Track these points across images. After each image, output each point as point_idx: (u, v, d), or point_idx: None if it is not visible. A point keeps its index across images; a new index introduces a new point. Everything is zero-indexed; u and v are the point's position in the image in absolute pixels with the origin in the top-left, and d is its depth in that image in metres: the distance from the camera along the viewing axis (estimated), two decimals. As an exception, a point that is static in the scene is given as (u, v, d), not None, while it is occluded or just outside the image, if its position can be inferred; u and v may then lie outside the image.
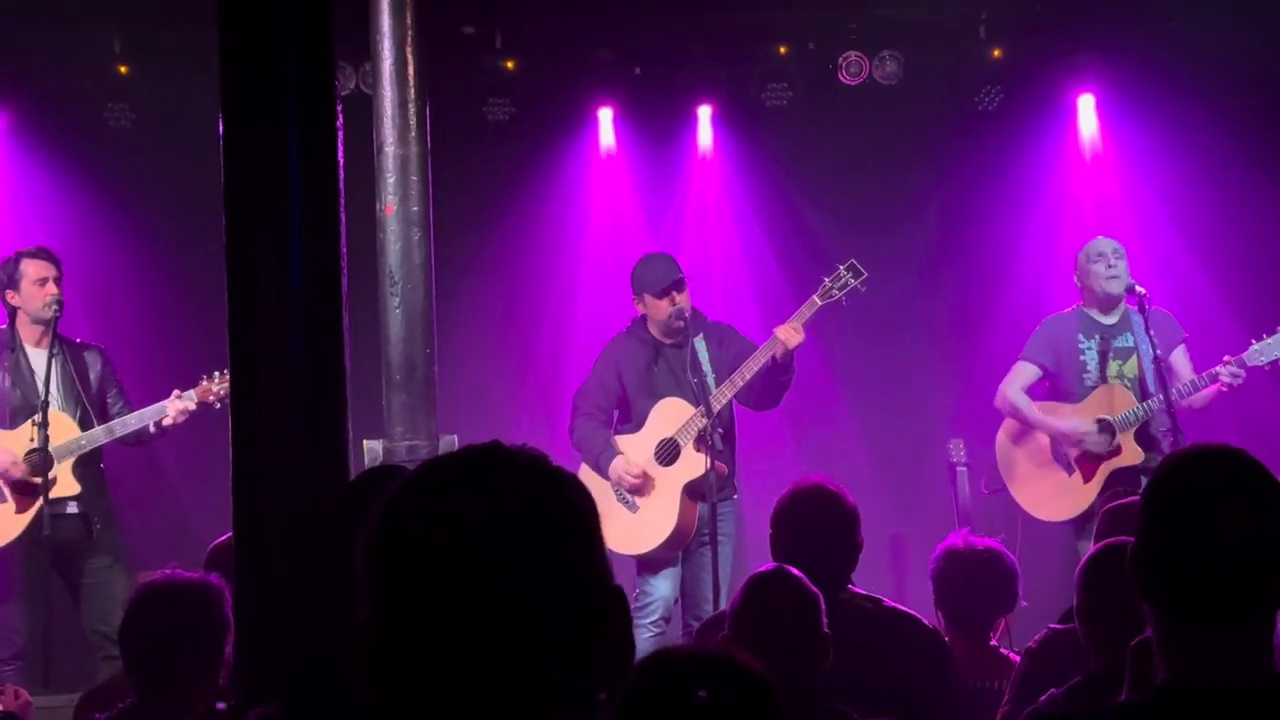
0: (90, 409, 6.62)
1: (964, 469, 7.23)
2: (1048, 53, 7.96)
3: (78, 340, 6.83)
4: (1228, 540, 2.07)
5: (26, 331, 6.67)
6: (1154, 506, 2.16)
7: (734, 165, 8.36)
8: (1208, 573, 2.07)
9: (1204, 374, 6.65)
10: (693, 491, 6.51)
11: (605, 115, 8.26)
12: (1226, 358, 6.62)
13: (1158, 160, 8.02)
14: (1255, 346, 6.63)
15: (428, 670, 1.36)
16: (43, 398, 6.42)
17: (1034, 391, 6.96)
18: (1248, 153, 7.87)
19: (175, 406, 6.54)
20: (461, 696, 1.35)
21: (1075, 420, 6.75)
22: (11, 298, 6.66)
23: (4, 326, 6.72)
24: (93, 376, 6.71)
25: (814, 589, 3.46)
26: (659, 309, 6.59)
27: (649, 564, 6.57)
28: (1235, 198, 7.91)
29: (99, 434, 6.57)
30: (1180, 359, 6.83)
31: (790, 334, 6.40)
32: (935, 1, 7.81)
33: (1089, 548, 3.81)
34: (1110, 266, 6.76)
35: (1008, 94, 8.00)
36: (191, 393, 6.57)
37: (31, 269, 6.63)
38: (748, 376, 6.46)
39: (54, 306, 6.56)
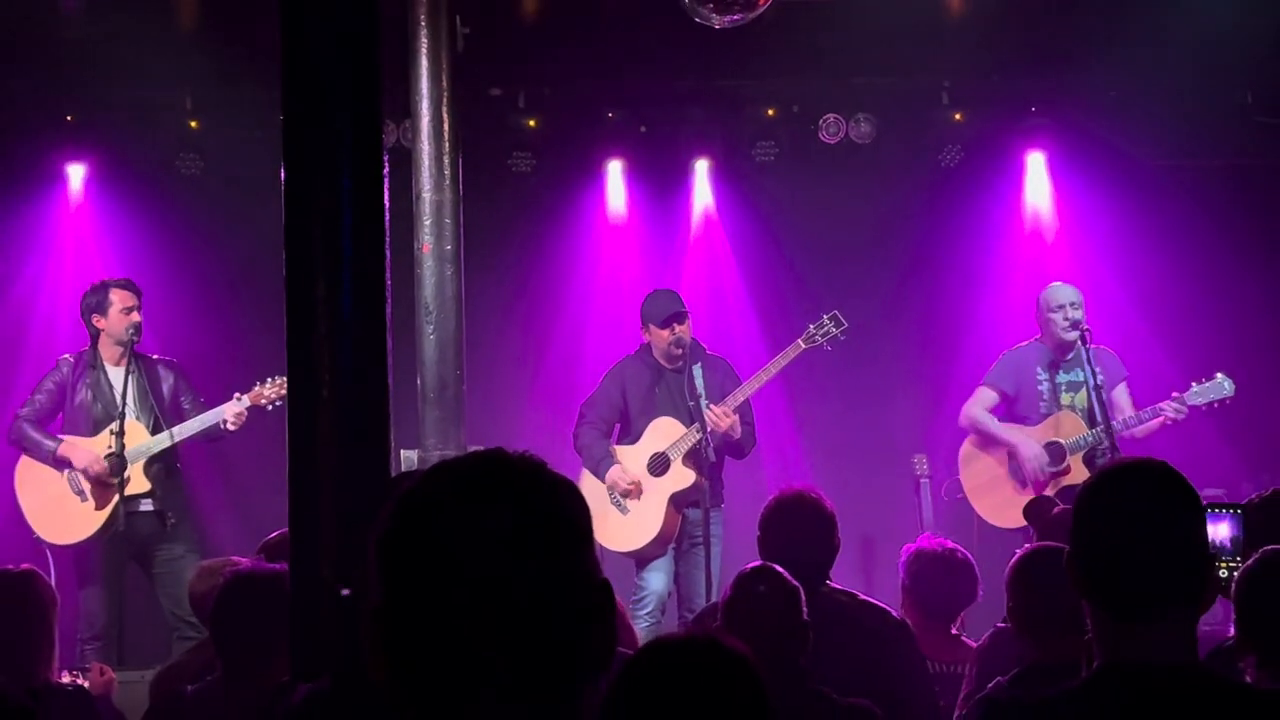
0: (162, 417, 6.65)
1: (927, 480, 7.23)
2: (1002, 117, 7.99)
3: (154, 356, 6.86)
4: (1142, 538, 2.08)
5: (108, 352, 6.69)
6: (1083, 511, 2.17)
7: (728, 212, 8.38)
8: (1126, 567, 2.07)
9: (1149, 409, 6.66)
10: (676, 501, 6.54)
11: (615, 167, 8.28)
12: (1175, 394, 6.63)
13: (1099, 211, 8.05)
14: (1195, 389, 6.64)
15: (431, 653, 1.35)
16: (120, 409, 6.45)
17: (993, 414, 6.97)
18: (1177, 208, 7.90)
19: (231, 410, 6.58)
20: (462, 677, 1.34)
21: (1030, 444, 6.75)
22: (97, 321, 6.68)
23: (86, 348, 6.75)
24: (166, 388, 6.73)
25: (794, 582, 3.46)
26: (660, 338, 6.62)
27: (642, 561, 6.59)
28: (1168, 249, 7.92)
29: (163, 438, 6.59)
30: (1122, 394, 6.85)
31: (717, 419, 6.40)
32: (905, 71, 7.84)
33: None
34: (1067, 319, 6.73)
35: (968, 152, 8.02)
36: (245, 397, 6.62)
37: (119, 298, 6.66)
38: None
39: (133, 331, 6.61)
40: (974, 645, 4.39)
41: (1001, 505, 6.84)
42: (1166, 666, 2.04)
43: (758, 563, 3.62)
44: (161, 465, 6.63)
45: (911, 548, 4.63)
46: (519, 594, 1.34)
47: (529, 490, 1.38)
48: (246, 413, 6.61)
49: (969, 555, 4.61)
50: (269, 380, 6.63)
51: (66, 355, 6.81)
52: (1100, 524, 2.12)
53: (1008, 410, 6.96)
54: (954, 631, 4.55)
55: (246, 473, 7.44)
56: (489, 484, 1.38)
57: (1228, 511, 3.15)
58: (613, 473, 6.58)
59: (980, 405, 6.95)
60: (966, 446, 7.05)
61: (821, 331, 6.61)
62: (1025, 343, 7.02)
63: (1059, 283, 6.99)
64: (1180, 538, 2.09)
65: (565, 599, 1.37)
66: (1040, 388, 6.85)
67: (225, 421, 6.59)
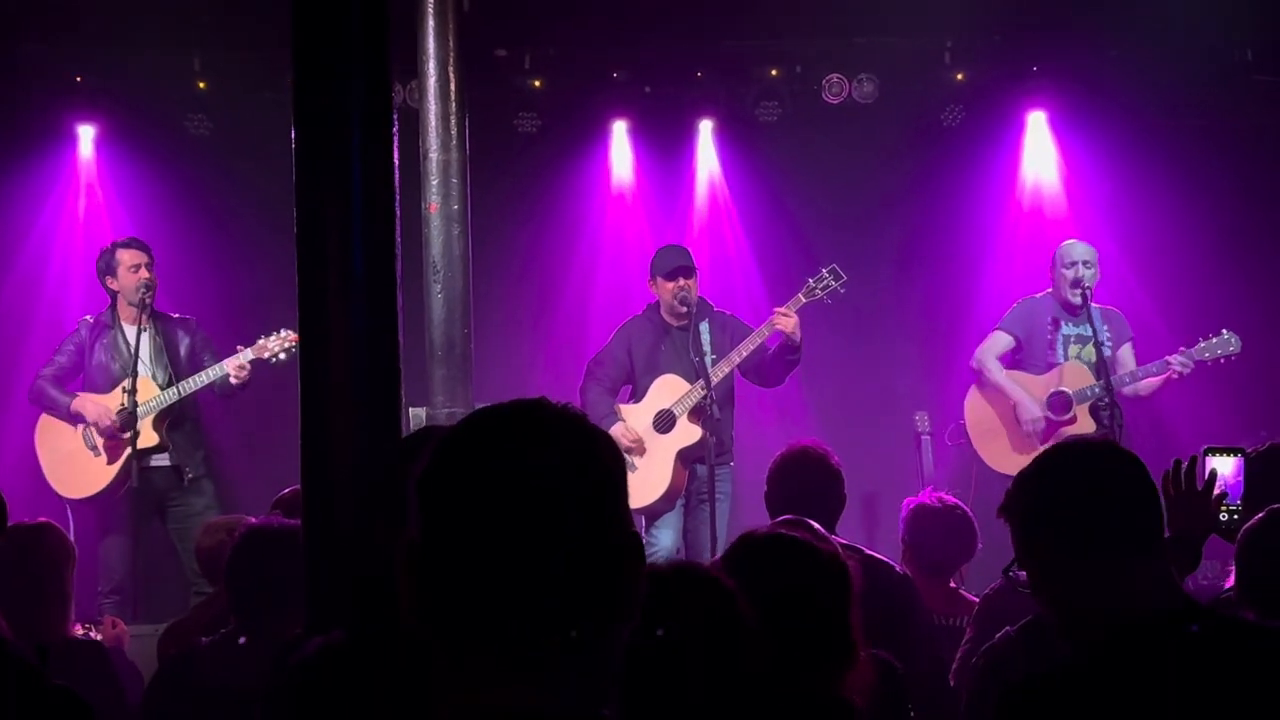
0: (177, 374, 6.62)
1: (927, 437, 7.23)
2: (1003, 76, 7.93)
3: (174, 316, 6.83)
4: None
5: (125, 312, 6.67)
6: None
7: (731, 173, 8.34)
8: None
9: (1156, 363, 6.66)
10: (684, 457, 6.53)
11: (620, 128, 8.24)
12: (1181, 348, 6.64)
13: (1101, 169, 8.02)
14: (1202, 344, 6.64)
15: (469, 591, 1.34)
16: (133, 366, 6.44)
17: (1002, 360, 6.98)
18: (1178, 166, 7.85)
19: (233, 363, 6.52)
20: (499, 613, 1.33)
21: (1031, 407, 6.74)
22: (110, 283, 6.68)
23: (105, 310, 6.74)
24: (183, 347, 6.70)
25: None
26: (666, 290, 6.60)
27: (650, 517, 6.59)
28: (1169, 207, 7.88)
29: (171, 393, 6.56)
30: (1127, 354, 6.87)
31: (783, 319, 6.40)
32: (907, 31, 7.78)
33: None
34: (1077, 277, 6.70)
35: (969, 112, 7.97)
36: (249, 350, 6.56)
37: (126, 257, 6.63)
38: (745, 354, 6.47)
39: (143, 290, 6.57)
40: (973, 599, 4.40)
41: (1005, 451, 6.85)
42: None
43: (788, 515, 3.61)
44: (174, 420, 6.62)
45: (912, 503, 4.63)
46: (557, 533, 1.34)
47: (570, 435, 1.38)
48: (250, 365, 6.55)
49: (968, 511, 4.62)
50: (274, 334, 6.59)
51: (87, 316, 6.82)
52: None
53: (1017, 356, 6.97)
54: (952, 585, 4.55)
55: (266, 431, 7.43)
56: (533, 427, 1.38)
57: (1235, 454, 3.15)
58: (616, 429, 6.57)
59: (993, 350, 6.97)
60: (973, 392, 7.04)
61: (821, 285, 6.59)
62: (1039, 293, 7.02)
63: (1074, 240, 6.97)
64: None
65: (599, 542, 1.36)
66: (1049, 338, 6.86)
67: (230, 375, 6.55)
